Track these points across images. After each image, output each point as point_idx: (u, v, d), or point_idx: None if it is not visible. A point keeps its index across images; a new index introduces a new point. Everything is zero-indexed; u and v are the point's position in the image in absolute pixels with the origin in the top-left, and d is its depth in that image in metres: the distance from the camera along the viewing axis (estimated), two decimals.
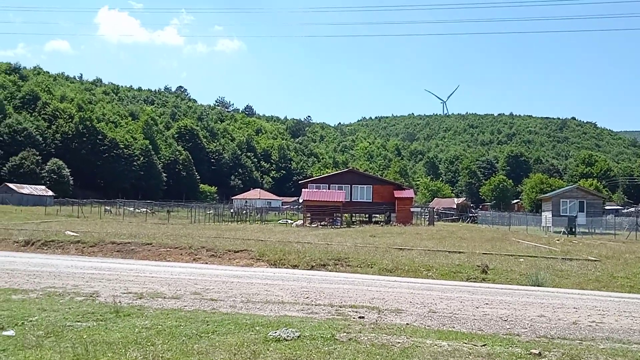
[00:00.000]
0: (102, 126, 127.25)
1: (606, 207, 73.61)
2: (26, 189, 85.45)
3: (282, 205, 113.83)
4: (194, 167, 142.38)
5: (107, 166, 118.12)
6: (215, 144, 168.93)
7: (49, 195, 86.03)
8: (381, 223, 54.38)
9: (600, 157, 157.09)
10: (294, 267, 18.54)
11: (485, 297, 12.94)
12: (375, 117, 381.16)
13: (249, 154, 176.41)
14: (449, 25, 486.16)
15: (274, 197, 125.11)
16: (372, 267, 18.35)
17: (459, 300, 12.30)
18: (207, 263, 19.52)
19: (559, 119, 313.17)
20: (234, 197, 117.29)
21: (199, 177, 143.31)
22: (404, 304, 11.58)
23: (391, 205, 56.14)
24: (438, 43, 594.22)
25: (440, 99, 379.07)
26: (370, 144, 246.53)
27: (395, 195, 56.46)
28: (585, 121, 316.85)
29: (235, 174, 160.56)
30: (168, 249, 21.36)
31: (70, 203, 72.83)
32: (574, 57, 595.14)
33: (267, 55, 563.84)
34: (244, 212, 67.32)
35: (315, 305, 11.06)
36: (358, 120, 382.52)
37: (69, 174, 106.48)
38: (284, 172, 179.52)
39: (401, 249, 23.47)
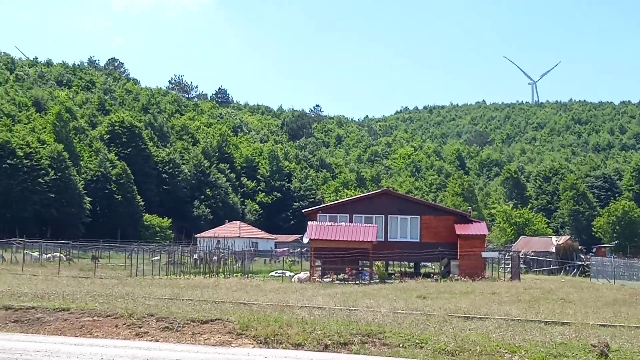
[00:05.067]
0: None
1: None
2: None
3: (275, 247, 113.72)
4: (134, 187, 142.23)
5: None
6: (168, 150, 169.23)
7: None
8: (435, 276, 54.21)
9: None
10: (298, 346, 18.52)
11: None
12: (424, 108, 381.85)
13: (222, 165, 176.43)
14: None
15: (263, 234, 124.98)
16: (422, 347, 18.29)
17: None
18: (158, 340, 19.49)
19: None
20: (198, 235, 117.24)
21: (142, 203, 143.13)
22: None
23: (451, 248, 55.94)
24: None
25: (529, 77, 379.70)
26: (415, 150, 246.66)
27: (458, 232, 56.25)
28: None
29: (201, 197, 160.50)
30: (95, 318, 21.37)
31: None
32: None
33: (251, 12, 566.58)
34: (215, 258, 67.24)
35: None
36: (397, 112, 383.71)
37: None
38: (279, 194, 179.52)
39: (468, 317, 23.47)
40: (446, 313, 24.20)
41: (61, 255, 70.35)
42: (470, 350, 17.89)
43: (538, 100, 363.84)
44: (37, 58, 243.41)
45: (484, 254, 59.14)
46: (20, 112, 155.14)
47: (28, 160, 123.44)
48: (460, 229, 56.70)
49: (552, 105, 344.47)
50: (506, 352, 17.80)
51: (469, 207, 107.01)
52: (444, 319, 22.63)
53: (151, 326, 20.59)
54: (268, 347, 18.55)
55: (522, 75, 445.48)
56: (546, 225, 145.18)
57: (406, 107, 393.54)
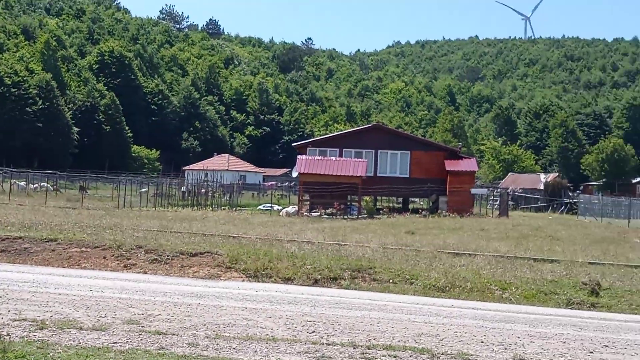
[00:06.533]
0: None
1: None
2: None
3: (264, 181, 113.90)
4: (123, 118, 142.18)
5: None
6: (157, 82, 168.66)
7: None
8: (423, 212, 54.32)
9: None
10: (287, 280, 18.57)
11: (602, 336, 12.87)
12: (416, 42, 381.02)
13: (211, 98, 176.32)
14: None
15: (252, 167, 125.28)
16: (412, 284, 18.38)
17: (560, 340, 12.22)
18: (146, 272, 19.46)
19: None
20: (186, 168, 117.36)
21: (131, 134, 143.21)
22: (471, 344, 11.50)
23: (440, 184, 55.99)
24: None
25: (521, 15, 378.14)
26: (406, 85, 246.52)
27: (447, 168, 56.29)
28: None
29: (190, 130, 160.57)
30: (83, 249, 21.30)
31: None
32: None
33: None
34: (203, 191, 67.35)
35: (328, 344, 10.95)
36: (388, 47, 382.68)
37: None
38: (268, 128, 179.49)
39: (458, 253, 23.59)
40: (435, 249, 24.33)
41: (48, 185, 70.51)
42: (460, 286, 18.01)
43: (532, 36, 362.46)
44: None
45: (473, 191, 59.35)
46: (8, 40, 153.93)
47: (16, 89, 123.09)
48: (450, 165, 56.69)
49: (544, 42, 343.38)
50: (497, 289, 17.90)
51: (460, 143, 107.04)
52: (433, 255, 22.78)
53: (139, 258, 20.55)
54: (258, 281, 18.56)
55: (515, 13, 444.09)
56: (535, 163, 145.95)
57: (398, 41, 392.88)
